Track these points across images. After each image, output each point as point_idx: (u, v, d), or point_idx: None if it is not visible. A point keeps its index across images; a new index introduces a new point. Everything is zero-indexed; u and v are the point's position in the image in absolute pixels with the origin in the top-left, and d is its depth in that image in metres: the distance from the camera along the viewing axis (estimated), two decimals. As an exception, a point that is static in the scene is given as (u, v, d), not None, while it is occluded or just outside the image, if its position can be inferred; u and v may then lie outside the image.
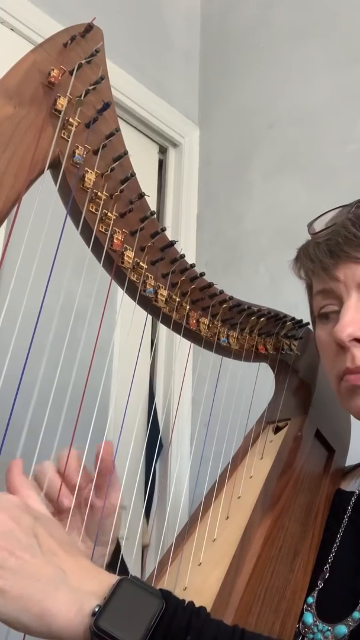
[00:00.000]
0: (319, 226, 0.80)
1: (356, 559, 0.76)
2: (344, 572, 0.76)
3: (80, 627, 0.51)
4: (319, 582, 0.76)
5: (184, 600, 0.56)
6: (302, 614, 0.74)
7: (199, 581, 0.74)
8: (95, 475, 0.74)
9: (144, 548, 1.56)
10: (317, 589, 0.76)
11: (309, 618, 0.73)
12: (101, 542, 0.77)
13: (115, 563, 0.79)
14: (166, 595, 0.55)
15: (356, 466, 0.94)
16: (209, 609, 0.57)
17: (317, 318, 0.82)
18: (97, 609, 0.52)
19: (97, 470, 0.74)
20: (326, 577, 0.76)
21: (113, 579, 0.55)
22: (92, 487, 0.75)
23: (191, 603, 0.56)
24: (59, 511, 0.73)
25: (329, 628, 0.71)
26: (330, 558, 0.78)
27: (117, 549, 0.81)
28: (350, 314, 0.74)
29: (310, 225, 0.82)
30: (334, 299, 0.78)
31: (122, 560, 0.81)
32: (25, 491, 0.60)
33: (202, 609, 0.56)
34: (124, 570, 0.82)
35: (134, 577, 0.57)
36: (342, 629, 0.69)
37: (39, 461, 0.68)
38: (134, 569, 0.83)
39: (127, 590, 0.54)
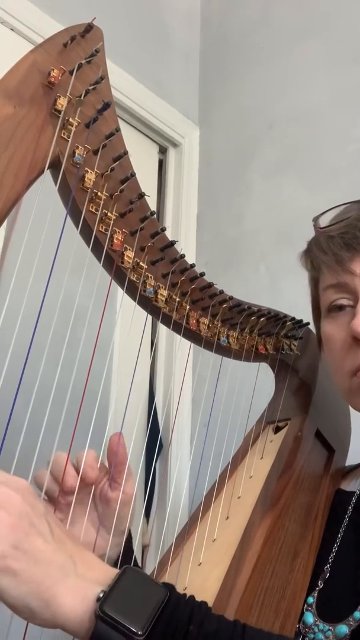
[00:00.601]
0: (324, 222, 0.80)
1: (356, 559, 0.76)
2: (345, 572, 0.76)
3: (85, 616, 0.51)
4: (320, 582, 0.76)
5: (185, 594, 0.56)
6: (302, 614, 0.74)
7: (199, 581, 0.74)
8: (112, 468, 0.75)
9: (144, 548, 1.56)
10: (317, 589, 0.76)
11: (309, 618, 0.73)
12: (118, 531, 0.77)
13: (127, 553, 0.80)
14: (169, 587, 0.56)
15: (356, 466, 0.94)
16: (209, 609, 0.57)
17: (327, 312, 0.81)
18: (101, 595, 0.52)
19: (113, 462, 0.75)
20: (326, 577, 0.76)
21: (117, 569, 0.56)
22: (107, 480, 0.76)
23: (192, 597, 0.57)
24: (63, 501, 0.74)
25: (330, 628, 0.71)
26: (331, 558, 0.78)
27: (128, 538, 0.82)
28: None
29: (315, 220, 0.82)
30: (347, 292, 0.78)
31: (132, 549, 0.82)
32: None
33: (203, 603, 0.57)
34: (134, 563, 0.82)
35: (138, 567, 0.57)
36: (343, 629, 0.69)
37: (39, 461, 0.68)
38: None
39: (131, 578, 0.54)
